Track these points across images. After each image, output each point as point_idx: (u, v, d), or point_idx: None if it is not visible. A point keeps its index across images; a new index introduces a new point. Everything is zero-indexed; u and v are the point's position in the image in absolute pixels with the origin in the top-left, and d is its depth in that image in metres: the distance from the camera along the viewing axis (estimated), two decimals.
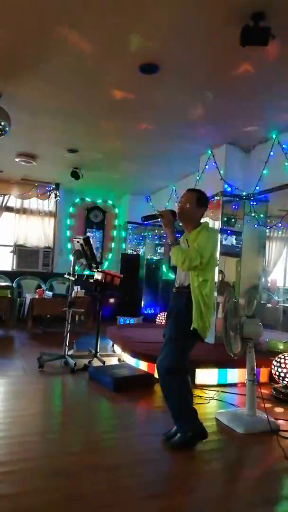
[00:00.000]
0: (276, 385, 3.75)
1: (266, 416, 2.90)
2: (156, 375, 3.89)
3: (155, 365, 2.64)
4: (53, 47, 3.13)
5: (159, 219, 2.66)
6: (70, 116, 4.47)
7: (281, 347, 4.28)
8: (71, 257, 4.67)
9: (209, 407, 3.35)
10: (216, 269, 4.83)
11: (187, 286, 2.52)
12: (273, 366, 3.76)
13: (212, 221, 5.08)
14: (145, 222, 2.85)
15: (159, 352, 2.68)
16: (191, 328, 2.45)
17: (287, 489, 2.18)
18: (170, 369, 2.51)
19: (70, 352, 4.53)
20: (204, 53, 3.10)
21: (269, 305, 7.02)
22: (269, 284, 7.62)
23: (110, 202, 8.87)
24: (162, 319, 6.56)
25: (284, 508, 1.98)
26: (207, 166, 5.19)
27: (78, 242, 4.51)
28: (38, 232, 7.98)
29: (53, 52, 3.20)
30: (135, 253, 8.41)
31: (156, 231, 8.52)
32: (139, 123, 4.52)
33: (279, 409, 3.36)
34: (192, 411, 2.55)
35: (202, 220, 2.70)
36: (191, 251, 2.46)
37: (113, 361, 4.58)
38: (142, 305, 8.16)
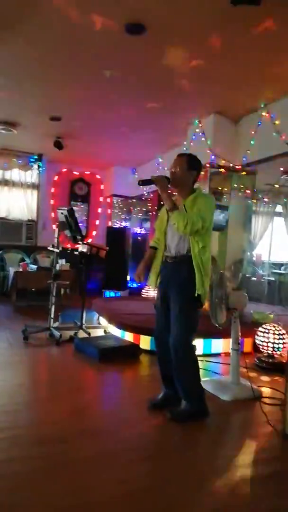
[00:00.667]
0: (259, 355, 3.84)
1: (249, 383, 2.97)
2: (143, 346, 3.96)
3: (170, 343, 2.51)
4: (34, 5, 2.92)
5: (154, 183, 2.55)
6: (53, 81, 4.26)
7: (265, 318, 4.35)
8: (56, 229, 4.57)
9: None
10: None
11: (186, 254, 2.49)
12: (257, 336, 3.83)
13: None
14: (141, 186, 2.76)
15: (155, 324, 2.66)
16: (196, 295, 2.44)
17: (269, 451, 2.25)
18: (188, 343, 2.51)
19: (56, 325, 4.51)
20: (193, 15, 2.94)
21: (254, 278, 7.11)
22: (254, 258, 7.70)
23: (95, 174, 8.68)
24: (148, 292, 6.58)
25: (266, 468, 2.05)
26: (194, 137, 5.08)
27: (62, 213, 4.41)
28: (21, 204, 7.78)
29: (35, 11, 2.99)
30: (121, 226, 8.33)
31: (143, 204, 8.43)
32: (124, 88, 4.34)
33: (262, 377, 3.45)
34: (202, 387, 2.59)
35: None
36: (193, 215, 2.41)
37: (99, 333, 4.60)
38: (128, 278, 8.16)
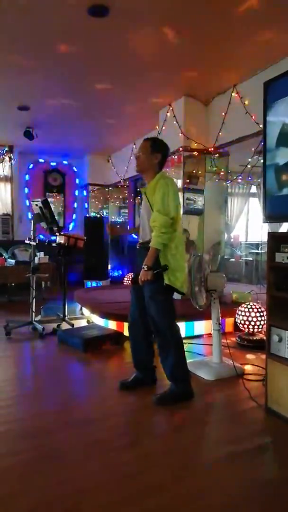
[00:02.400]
0: (240, 333, 3.92)
1: (232, 362, 3.04)
2: (126, 333, 3.98)
3: (152, 327, 2.58)
4: None
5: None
6: (18, 69, 4.12)
7: (244, 297, 4.43)
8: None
9: None
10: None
11: (149, 241, 2.48)
12: (237, 316, 3.91)
13: (174, 179, 5.00)
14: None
15: (129, 309, 2.75)
16: (164, 284, 2.44)
17: (254, 425, 2.32)
18: (167, 326, 2.52)
19: (38, 318, 4.48)
20: None
21: (232, 259, 7.23)
22: (232, 240, 7.80)
23: (69, 163, 8.53)
24: (129, 280, 6.58)
25: (251, 443, 2.11)
26: (166, 121, 5.04)
27: (37, 205, 4.33)
28: None
29: None
30: (98, 215, 8.26)
31: (120, 192, 8.36)
32: (91, 73, 4.24)
33: (243, 355, 3.53)
34: (188, 369, 2.64)
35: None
36: (157, 218, 2.37)
37: (82, 323, 4.59)
38: (109, 267, 8.14)
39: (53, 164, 8.36)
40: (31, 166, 8.15)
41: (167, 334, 2.54)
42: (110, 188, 8.26)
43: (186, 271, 2.63)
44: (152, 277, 2.40)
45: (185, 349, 2.65)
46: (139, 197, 7.71)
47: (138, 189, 7.72)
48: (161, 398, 2.55)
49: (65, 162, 8.46)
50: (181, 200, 4.86)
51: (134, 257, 2.76)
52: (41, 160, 8.23)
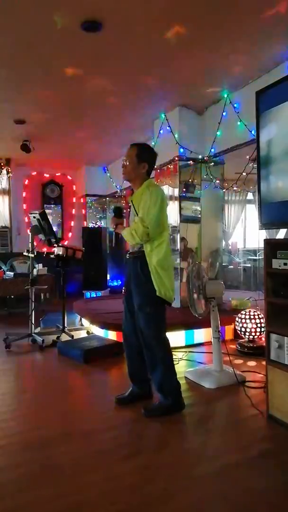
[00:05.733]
0: (240, 340, 3.91)
1: (232, 369, 3.03)
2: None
3: (140, 339, 2.51)
4: None
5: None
6: (14, 84, 4.18)
7: (243, 304, 4.43)
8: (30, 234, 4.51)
9: (178, 367, 3.40)
10: (178, 236, 4.86)
11: (139, 251, 2.48)
12: (236, 323, 3.91)
13: (171, 188, 5.05)
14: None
15: (124, 322, 2.69)
16: (156, 295, 2.41)
17: (255, 432, 2.30)
18: (156, 337, 2.46)
19: (37, 330, 4.46)
20: (149, 9, 2.94)
21: (231, 266, 7.24)
22: (230, 247, 7.83)
23: (66, 175, 8.59)
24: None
25: (253, 450, 2.10)
26: (161, 131, 5.10)
27: (34, 217, 4.35)
28: None
29: None
30: (96, 226, 8.28)
31: (117, 202, 8.39)
32: (87, 86, 4.31)
33: (244, 362, 3.52)
34: (177, 381, 2.56)
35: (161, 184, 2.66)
36: (134, 223, 2.41)
37: (82, 334, 4.58)
38: (108, 277, 8.13)
39: (50, 176, 8.41)
40: (28, 178, 8.20)
41: (154, 347, 2.47)
42: (107, 198, 8.31)
43: (173, 280, 2.58)
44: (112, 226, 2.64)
45: (173, 364, 2.57)
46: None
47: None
48: (149, 410, 2.50)
49: (62, 173, 8.52)
50: (177, 208, 4.90)
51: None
52: (38, 172, 8.29)
